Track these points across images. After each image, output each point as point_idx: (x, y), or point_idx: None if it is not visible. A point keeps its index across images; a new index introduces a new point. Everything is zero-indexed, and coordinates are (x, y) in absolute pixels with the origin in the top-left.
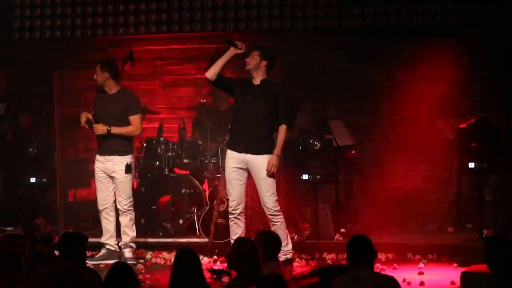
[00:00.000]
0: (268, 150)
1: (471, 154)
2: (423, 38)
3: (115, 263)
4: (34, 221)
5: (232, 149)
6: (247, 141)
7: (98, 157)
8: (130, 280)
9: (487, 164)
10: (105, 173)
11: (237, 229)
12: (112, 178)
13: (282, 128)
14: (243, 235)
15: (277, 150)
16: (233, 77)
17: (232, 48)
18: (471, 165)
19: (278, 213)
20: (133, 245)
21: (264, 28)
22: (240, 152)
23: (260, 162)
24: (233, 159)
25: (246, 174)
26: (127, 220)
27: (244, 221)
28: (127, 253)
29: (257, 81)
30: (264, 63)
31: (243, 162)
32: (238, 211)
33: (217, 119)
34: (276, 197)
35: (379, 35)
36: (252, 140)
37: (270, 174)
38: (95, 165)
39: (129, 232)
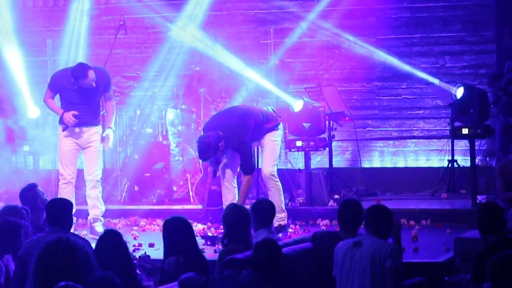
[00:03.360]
0: (271, 129)
1: (465, 120)
2: (415, 5)
3: (106, 230)
4: (35, 189)
5: None
6: None
7: None
8: (121, 247)
9: (480, 129)
10: None
11: (228, 194)
12: None
13: None
14: (234, 200)
15: None
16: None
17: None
18: (465, 131)
19: (274, 179)
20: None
21: None
22: None
23: (266, 136)
24: None
25: None
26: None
27: (235, 186)
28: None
29: None
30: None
31: None
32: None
33: (210, 85)
34: (274, 163)
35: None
36: None
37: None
38: None
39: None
